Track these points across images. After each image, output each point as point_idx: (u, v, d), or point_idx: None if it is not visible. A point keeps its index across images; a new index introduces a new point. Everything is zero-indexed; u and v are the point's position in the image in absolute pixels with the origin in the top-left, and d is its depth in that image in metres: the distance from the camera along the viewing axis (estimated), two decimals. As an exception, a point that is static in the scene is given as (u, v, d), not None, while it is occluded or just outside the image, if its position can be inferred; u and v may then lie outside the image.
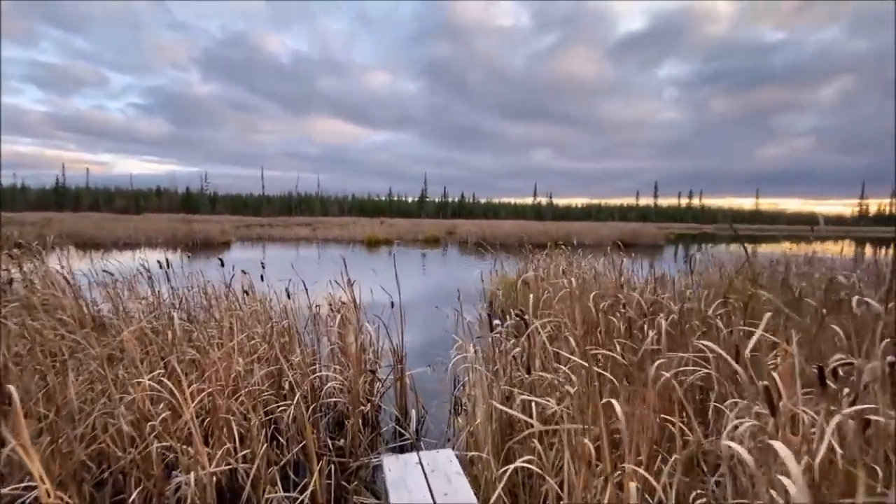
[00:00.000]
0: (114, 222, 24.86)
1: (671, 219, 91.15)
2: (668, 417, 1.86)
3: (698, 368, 2.05)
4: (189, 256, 4.79)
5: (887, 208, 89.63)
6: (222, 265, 3.78)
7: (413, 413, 3.07)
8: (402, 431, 2.96)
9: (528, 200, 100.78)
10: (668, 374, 1.77)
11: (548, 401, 1.85)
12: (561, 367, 2.13)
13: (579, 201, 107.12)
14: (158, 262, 3.78)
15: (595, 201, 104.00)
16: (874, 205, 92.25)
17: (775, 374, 1.32)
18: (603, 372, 1.99)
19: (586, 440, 1.62)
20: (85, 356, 2.71)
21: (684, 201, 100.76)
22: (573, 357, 2.04)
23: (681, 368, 1.97)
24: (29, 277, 4.57)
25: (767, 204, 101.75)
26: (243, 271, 4.00)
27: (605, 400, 1.68)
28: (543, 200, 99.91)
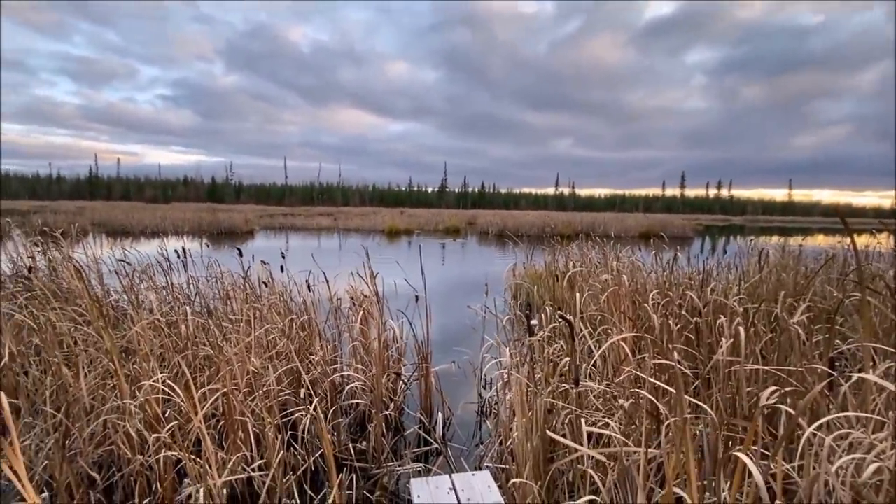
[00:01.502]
0: (143, 211, 25.41)
1: (698, 209, 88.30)
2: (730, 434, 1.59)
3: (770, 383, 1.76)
4: (208, 245, 4.66)
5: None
6: (240, 255, 3.63)
7: (439, 416, 2.85)
8: (427, 438, 2.76)
9: (550, 190, 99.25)
10: (768, 397, 1.49)
11: (604, 420, 1.59)
12: (608, 375, 1.87)
13: (602, 191, 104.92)
14: (176, 251, 3.65)
15: (619, 192, 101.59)
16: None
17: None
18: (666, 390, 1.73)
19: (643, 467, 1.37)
20: (97, 350, 2.59)
21: (712, 192, 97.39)
22: (626, 367, 1.78)
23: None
24: (53, 265, 4.54)
25: (801, 195, 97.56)
26: (263, 262, 3.85)
27: (669, 421, 1.42)
28: (566, 190, 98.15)
